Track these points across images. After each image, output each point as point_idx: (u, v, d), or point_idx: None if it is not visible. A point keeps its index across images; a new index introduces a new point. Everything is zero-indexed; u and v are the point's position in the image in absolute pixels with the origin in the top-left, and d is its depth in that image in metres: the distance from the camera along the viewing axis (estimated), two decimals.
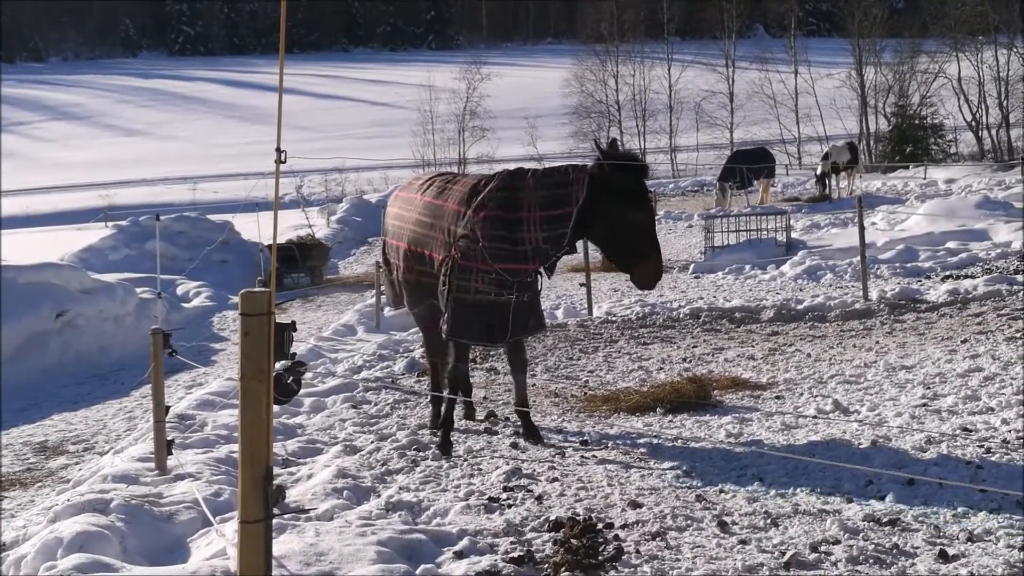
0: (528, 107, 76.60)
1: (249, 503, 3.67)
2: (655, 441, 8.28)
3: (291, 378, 3.96)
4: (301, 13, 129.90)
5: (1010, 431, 7.85)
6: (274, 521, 3.60)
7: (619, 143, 9.42)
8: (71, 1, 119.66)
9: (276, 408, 4.08)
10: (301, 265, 23.87)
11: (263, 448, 3.63)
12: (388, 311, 16.16)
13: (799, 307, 14.16)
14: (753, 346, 12.25)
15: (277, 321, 3.72)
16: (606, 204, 7.91)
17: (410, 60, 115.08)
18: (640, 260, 8.02)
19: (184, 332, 16.61)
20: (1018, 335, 11.66)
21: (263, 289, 3.68)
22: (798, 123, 63.59)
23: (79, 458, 9.86)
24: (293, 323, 3.85)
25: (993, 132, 58.51)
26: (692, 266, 20.49)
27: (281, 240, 25.30)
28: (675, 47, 71.41)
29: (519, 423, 8.75)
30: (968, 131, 59.24)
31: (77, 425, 11.46)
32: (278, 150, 3.53)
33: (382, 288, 19.93)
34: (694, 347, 12.56)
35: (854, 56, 62.23)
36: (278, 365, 3.87)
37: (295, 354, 3.93)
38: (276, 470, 7.90)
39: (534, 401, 10.08)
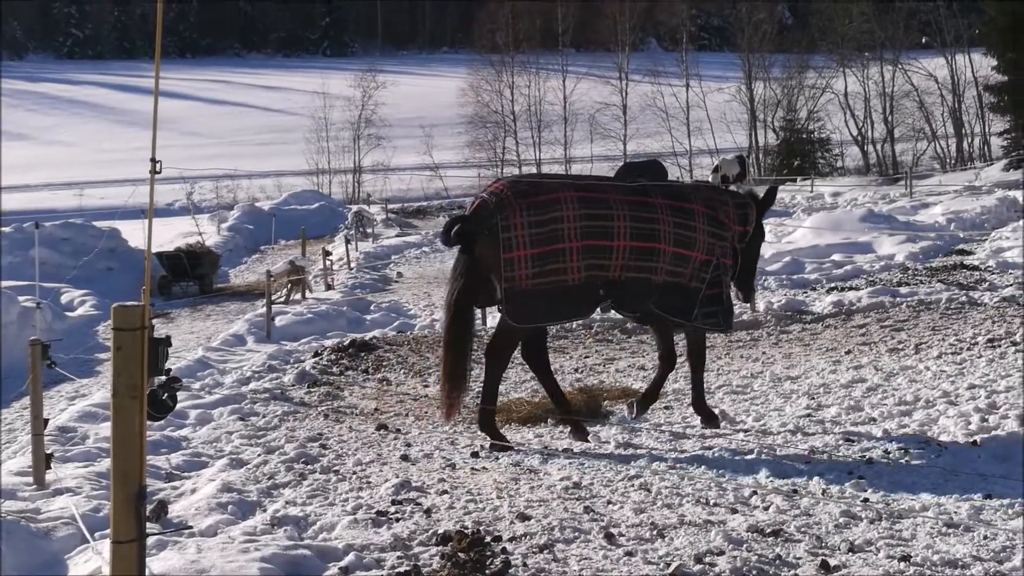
0: (424, 116, 76.42)
1: (121, 522, 3.57)
2: (546, 452, 8.28)
3: (166, 394, 3.85)
4: (193, 17, 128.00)
5: (891, 441, 8.03)
6: (155, 538, 3.51)
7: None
8: None
9: (161, 421, 3.98)
10: (190, 273, 23.45)
11: (136, 466, 3.52)
12: (280, 321, 15.97)
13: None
14: (644, 356, 12.34)
15: (152, 336, 3.61)
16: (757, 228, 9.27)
17: (305, 66, 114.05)
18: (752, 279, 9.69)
19: (68, 342, 16.18)
20: (900, 346, 11.94)
21: (137, 303, 3.57)
22: (689, 136, 64.48)
23: None
24: (168, 338, 3.75)
25: (878, 146, 60.04)
26: None
27: (170, 248, 24.86)
28: (570, 59, 71.94)
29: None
30: (854, 145, 60.70)
31: None
32: (153, 160, 3.44)
33: (291, 296, 19.80)
34: (586, 357, 12.62)
35: (744, 71, 63.38)
36: (152, 381, 3.76)
37: (170, 370, 3.82)
38: (159, 484, 7.72)
39: (426, 412, 10.03)
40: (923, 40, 61.66)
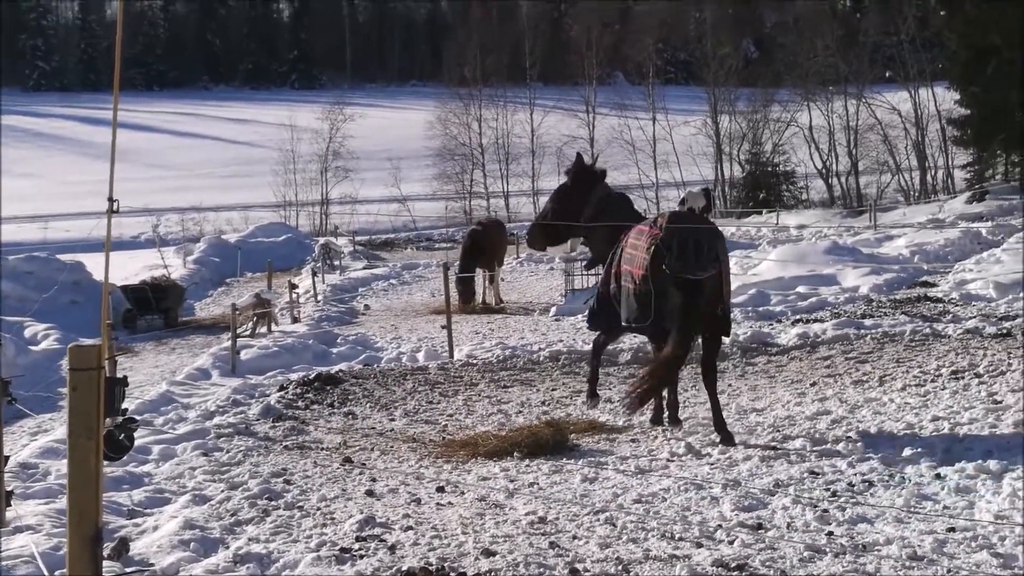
0: (392, 148, 76.47)
1: (78, 563, 3.52)
2: (511, 486, 8.26)
3: (123, 435, 3.82)
4: (160, 49, 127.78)
5: (855, 474, 8.05)
6: None
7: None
8: None
9: (118, 461, 3.93)
10: (155, 307, 23.29)
11: (92, 507, 3.48)
12: (245, 354, 15.88)
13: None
14: (610, 389, 12.33)
15: (108, 376, 3.57)
16: None
17: (272, 99, 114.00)
18: None
19: (31, 376, 16.00)
20: (864, 378, 12.01)
21: (93, 342, 3.54)
22: (656, 169, 64.82)
23: None
24: (124, 378, 3.72)
25: (843, 179, 60.53)
26: (553, 309, 20.61)
27: (135, 280, 24.69)
28: (537, 92, 72.40)
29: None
30: (819, 178, 61.18)
31: None
32: (110, 199, 3.41)
33: (257, 329, 19.70)
34: (553, 390, 12.61)
35: (710, 104, 63.90)
36: (108, 421, 3.72)
37: (127, 409, 3.79)
38: (121, 521, 7.64)
39: (392, 446, 9.99)
40: (887, 74, 62.31)
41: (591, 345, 11.15)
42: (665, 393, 10.08)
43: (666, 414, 10.21)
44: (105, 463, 3.68)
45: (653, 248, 9.22)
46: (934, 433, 9.15)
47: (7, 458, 7.96)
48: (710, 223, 9.91)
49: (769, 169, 60.83)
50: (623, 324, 9.90)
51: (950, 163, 56.18)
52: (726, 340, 10.22)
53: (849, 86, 60.01)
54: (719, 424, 9.37)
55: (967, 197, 45.66)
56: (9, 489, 7.76)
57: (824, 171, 60.79)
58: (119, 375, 3.90)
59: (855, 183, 59.87)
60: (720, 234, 9.73)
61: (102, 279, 23.23)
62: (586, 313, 10.82)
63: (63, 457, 9.53)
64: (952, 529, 6.65)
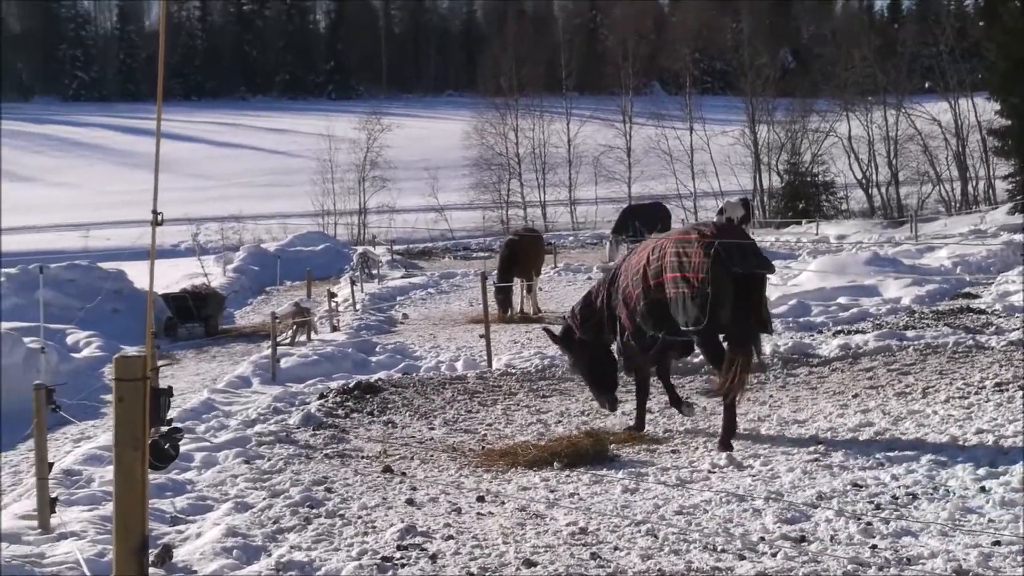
0: (429, 158, 76.70)
1: (124, 573, 3.54)
2: (552, 496, 8.24)
3: (168, 444, 3.83)
4: (198, 60, 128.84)
5: (899, 487, 7.97)
6: None
7: None
8: None
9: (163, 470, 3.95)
10: (196, 315, 23.44)
11: (138, 517, 3.50)
12: (285, 363, 15.96)
13: (695, 360, 14.23)
14: (649, 399, 12.27)
15: (153, 386, 3.59)
16: None
17: (309, 109, 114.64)
18: None
19: (73, 384, 16.12)
20: (907, 390, 11.90)
21: (137, 350, 3.55)
22: (694, 179, 64.62)
23: None
24: (170, 388, 3.74)
25: (883, 190, 60.09)
26: None
27: (176, 289, 24.87)
28: (573, 102, 72.40)
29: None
30: (858, 188, 60.77)
31: None
32: (154, 212, 3.43)
33: (296, 338, 19.82)
34: (592, 400, 12.54)
35: (747, 114, 63.62)
36: (153, 431, 3.74)
37: (172, 419, 3.81)
38: (165, 528, 7.68)
39: (431, 455, 9.99)
40: (926, 85, 61.85)
41: (636, 383, 11.01)
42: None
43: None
44: (150, 472, 3.70)
45: (713, 251, 9.32)
46: (978, 445, 9.05)
47: (51, 464, 8.03)
48: (744, 231, 10.69)
49: (808, 179, 60.43)
50: (683, 329, 9.78)
51: (991, 174, 55.65)
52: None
53: (888, 96, 59.58)
54: (725, 441, 9.69)
55: (1009, 208, 45.18)
56: (53, 496, 7.83)
57: (864, 181, 60.38)
58: (163, 385, 3.91)
59: (895, 193, 59.41)
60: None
61: (144, 287, 23.38)
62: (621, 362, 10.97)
63: (107, 464, 9.61)
64: (998, 543, 6.58)
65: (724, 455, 9.15)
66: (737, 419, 9.87)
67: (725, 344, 9.75)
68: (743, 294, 9.41)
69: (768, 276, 9.80)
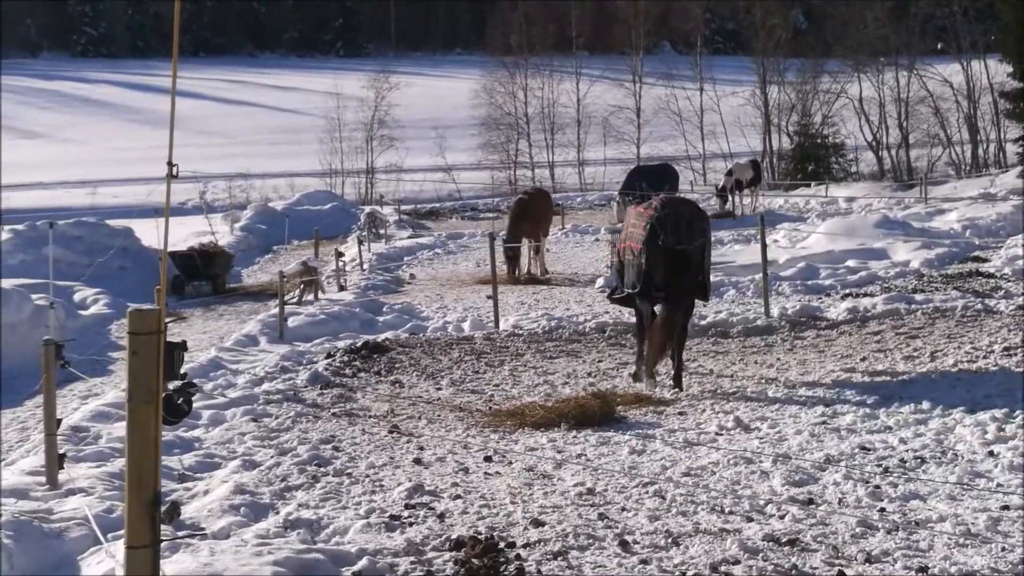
0: (437, 117, 76.28)
1: (136, 528, 3.54)
2: (559, 457, 8.25)
3: (181, 399, 3.82)
4: (207, 16, 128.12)
5: (907, 450, 7.97)
6: (167, 541, 3.49)
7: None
8: None
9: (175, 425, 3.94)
10: (203, 273, 23.44)
11: (151, 472, 3.49)
12: (292, 322, 15.97)
13: (702, 323, 14.24)
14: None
15: (168, 340, 3.57)
16: None
17: (318, 67, 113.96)
18: None
19: (81, 341, 16.16)
20: (915, 354, 11.87)
21: (152, 307, 3.53)
22: (703, 140, 64.26)
23: None
24: (184, 342, 3.72)
25: (893, 152, 59.72)
26: (599, 280, 20.53)
27: (183, 247, 24.85)
28: (583, 62, 71.83)
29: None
30: (869, 151, 60.43)
31: None
32: (169, 164, 3.40)
33: (304, 297, 19.87)
34: (599, 362, 12.58)
35: (758, 75, 63.12)
36: (168, 385, 3.73)
37: (186, 374, 3.80)
38: (172, 485, 7.71)
39: (438, 415, 10.01)
40: (939, 46, 61.32)
41: (636, 329, 11.70)
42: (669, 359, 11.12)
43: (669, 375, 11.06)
44: (163, 427, 3.69)
45: (649, 226, 10.67)
46: (986, 410, 9.03)
47: (59, 421, 8.05)
48: (697, 206, 11.68)
49: (818, 141, 60.04)
50: (627, 291, 11.27)
51: (1002, 136, 55.27)
52: (702, 304, 12.55)
53: (900, 57, 59.11)
54: (677, 378, 10.78)
55: (1019, 171, 44.87)
56: (62, 452, 7.86)
57: (874, 143, 60.04)
58: (176, 340, 3.89)
59: (906, 156, 59.02)
60: (706, 215, 11.44)
61: (151, 245, 23.36)
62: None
63: (115, 421, 9.64)
64: (1006, 507, 6.58)
65: (732, 418, 9.17)
66: (684, 363, 11.13)
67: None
68: (675, 265, 10.67)
69: (700, 248, 10.88)
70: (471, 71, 79.67)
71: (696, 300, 11.56)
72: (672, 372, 10.91)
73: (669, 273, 10.70)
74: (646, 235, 10.70)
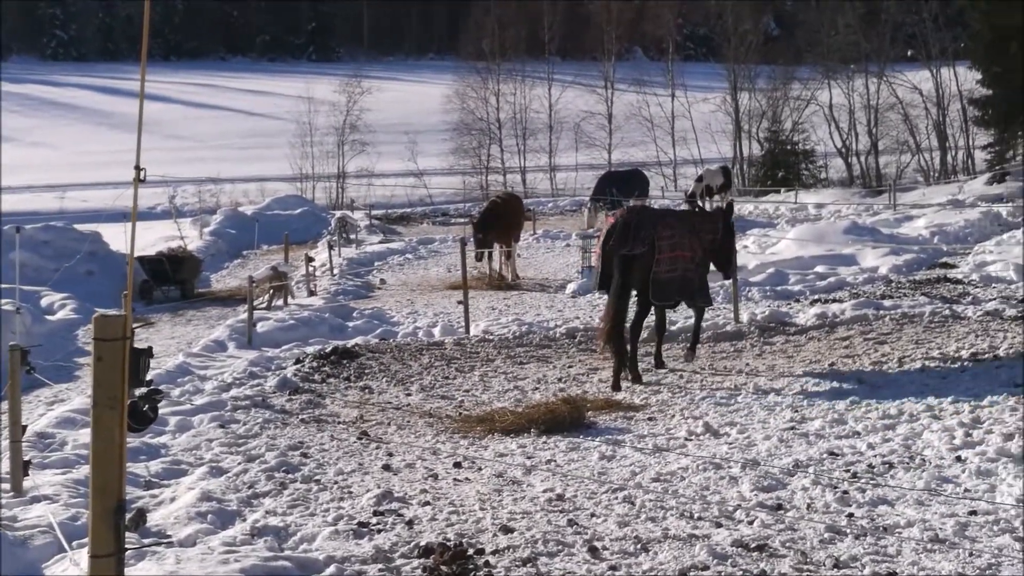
0: (409, 122, 76.27)
1: (100, 536, 3.50)
2: (529, 463, 8.24)
3: (147, 406, 3.78)
4: (178, 20, 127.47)
5: (875, 456, 8.00)
6: (132, 549, 3.46)
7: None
8: None
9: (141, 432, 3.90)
10: (172, 278, 23.31)
11: (115, 479, 3.46)
12: (261, 327, 15.89)
13: (672, 328, 14.25)
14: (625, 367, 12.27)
15: (134, 346, 3.54)
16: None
17: (290, 71, 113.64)
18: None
19: (48, 346, 16.02)
20: (883, 359, 11.94)
21: (118, 312, 3.50)
22: (674, 146, 64.52)
23: None
24: (150, 348, 3.68)
25: (862, 159, 60.12)
26: (570, 286, 20.53)
27: (152, 252, 24.70)
28: (556, 67, 71.98)
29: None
30: (838, 157, 60.78)
31: None
32: (137, 167, 3.37)
33: (273, 302, 19.80)
34: (569, 367, 12.58)
35: (729, 81, 63.46)
36: (134, 391, 3.69)
37: (152, 380, 3.76)
38: (138, 492, 7.65)
39: (408, 421, 9.98)
40: (908, 53, 61.77)
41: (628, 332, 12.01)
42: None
43: (627, 374, 11.60)
44: (128, 434, 3.65)
45: (603, 232, 12.01)
46: (954, 415, 9.08)
47: (25, 427, 7.97)
48: (656, 214, 12.62)
49: (788, 147, 60.41)
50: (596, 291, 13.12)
51: (971, 143, 55.70)
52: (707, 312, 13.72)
53: (870, 64, 59.50)
54: (635, 376, 11.52)
55: (988, 178, 45.27)
56: (26, 459, 7.78)
57: (844, 150, 60.39)
58: (142, 346, 3.85)
59: (875, 163, 59.43)
60: (659, 222, 12.00)
61: (119, 250, 23.14)
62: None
63: (81, 427, 9.55)
64: (974, 512, 6.61)
65: (701, 423, 9.19)
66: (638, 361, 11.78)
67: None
68: (625, 269, 11.64)
69: (642, 255, 11.61)
70: (444, 76, 79.66)
71: (689, 300, 12.47)
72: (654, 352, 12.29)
73: (618, 275, 11.69)
74: (601, 242, 12.09)
